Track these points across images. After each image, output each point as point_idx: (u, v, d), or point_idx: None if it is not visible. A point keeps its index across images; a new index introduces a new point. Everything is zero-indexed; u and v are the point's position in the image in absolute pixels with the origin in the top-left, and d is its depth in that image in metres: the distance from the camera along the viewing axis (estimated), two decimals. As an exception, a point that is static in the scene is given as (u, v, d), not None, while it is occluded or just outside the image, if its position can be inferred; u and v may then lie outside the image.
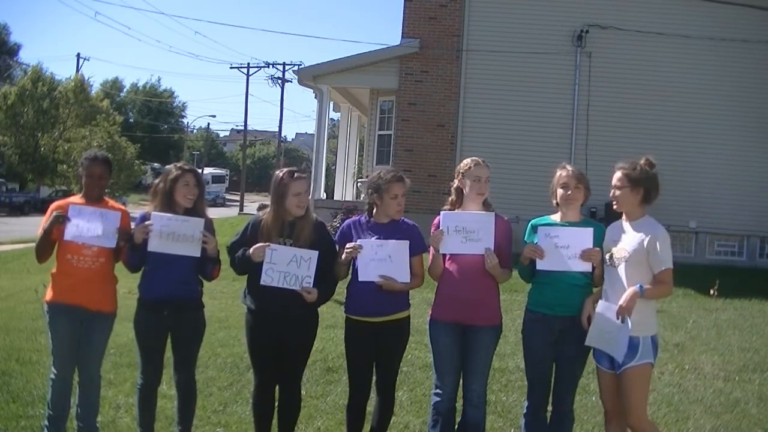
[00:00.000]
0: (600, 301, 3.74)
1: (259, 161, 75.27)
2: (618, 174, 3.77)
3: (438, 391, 4.01)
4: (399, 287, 3.99)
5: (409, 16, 15.54)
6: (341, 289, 4.16)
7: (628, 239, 3.72)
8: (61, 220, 3.90)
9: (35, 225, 4.41)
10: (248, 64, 45.32)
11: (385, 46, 16.37)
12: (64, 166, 30.86)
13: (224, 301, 8.97)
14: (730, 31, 14.73)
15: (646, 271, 3.67)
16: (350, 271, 4.12)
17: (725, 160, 14.83)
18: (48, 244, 4.02)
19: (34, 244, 4.13)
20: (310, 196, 4.96)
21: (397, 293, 4.01)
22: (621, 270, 3.69)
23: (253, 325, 4.07)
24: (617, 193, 3.77)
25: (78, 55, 45.24)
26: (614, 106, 14.90)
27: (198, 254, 4.00)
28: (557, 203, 3.98)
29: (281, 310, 3.95)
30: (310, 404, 5.11)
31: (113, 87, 55.17)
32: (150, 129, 54.01)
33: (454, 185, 4.10)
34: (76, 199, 4.13)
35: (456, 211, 4.05)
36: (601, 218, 11.27)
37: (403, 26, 15.60)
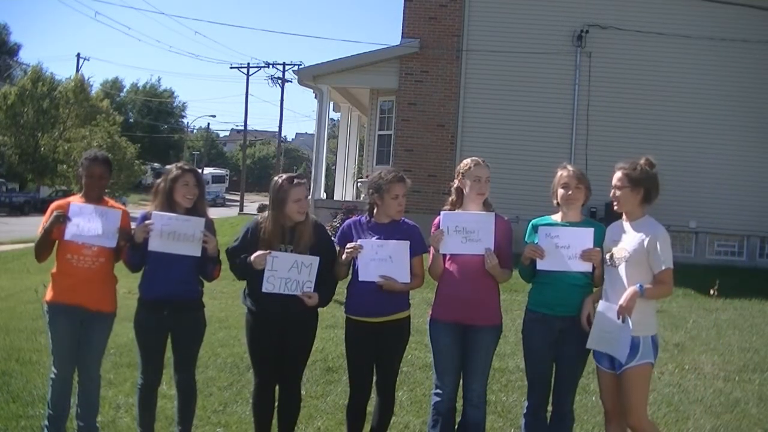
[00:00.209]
0: (600, 301, 3.73)
1: (259, 161, 75.28)
2: (618, 174, 3.77)
3: (438, 391, 4.01)
4: (399, 287, 3.99)
5: (409, 16, 15.54)
6: (341, 289, 4.16)
7: (629, 239, 3.72)
8: (62, 219, 3.90)
9: (35, 225, 4.41)
10: (248, 64, 45.35)
11: (385, 46, 16.38)
12: (64, 166, 30.86)
13: (224, 301, 8.97)
14: (730, 31, 14.72)
15: (646, 271, 3.67)
16: (350, 271, 4.13)
17: (725, 160, 14.82)
18: (48, 243, 4.02)
19: (34, 244, 4.13)
20: (309, 197, 4.96)
21: (397, 293, 4.01)
22: (621, 270, 3.69)
23: (253, 325, 4.07)
24: (617, 193, 3.77)
25: (78, 55, 45.32)
26: (614, 106, 14.90)
27: (198, 254, 4.00)
28: (558, 203, 3.98)
29: (281, 311, 3.95)
30: (310, 404, 5.11)
31: (113, 87, 55.17)
32: (150, 129, 54.01)
33: (455, 185, 4.10)
34: (76, 199, 4.13)
35: (456, 211, 4.05)
36: (601, 218, 11.27)
37: (403, 26, 15.60)
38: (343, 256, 4.03)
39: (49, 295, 4.06)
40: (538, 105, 15.03)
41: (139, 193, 40.20)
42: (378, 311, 4.02)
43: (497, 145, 14.39)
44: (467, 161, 4.07)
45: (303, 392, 4.38)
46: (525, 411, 4.03)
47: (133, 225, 4.10)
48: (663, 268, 3.64)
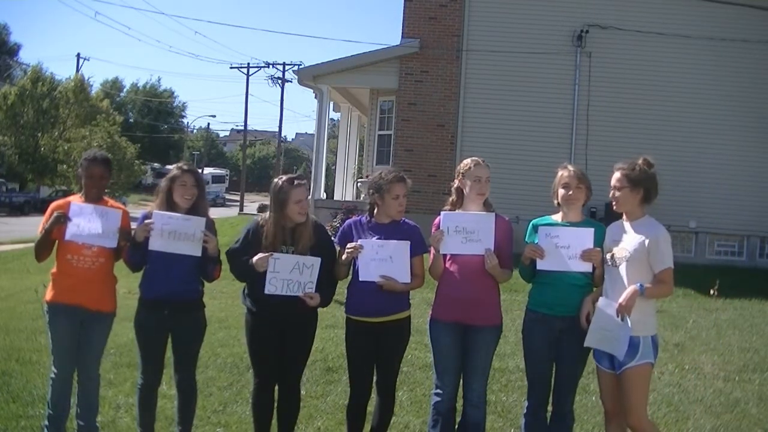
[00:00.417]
0: (600, 299, 3.74)
1: (259, 161, 75.27)
2: (617, 175, 3.77)
3: (438, 391, 4.01)
4: (400, 288, 3.99)
5: (409, 16, 15.54)
6: (341, 289, 4.17)
7: (629, 239, 3.72)
8: (63, 220, 3.91)
9: (35, 225, 4.41)
10: (248, 64, 45.33)
11: (385, 46, 16.38)
12: (64, 166, 30.84)
13: (224, 301, 8.97)
14: (730, 31, 14.73)
15: (646, 271, 3.67)
16: (351, 271, 4.13)
17: (725, 160, 14.83)
18: (48, 243, 4.03)
19: (34, 244, 4.13)
20: (309, 198, 4.96)
21: (397, 293, 4.02)
22: (622, 269, 3.69)
23: (253, 325, 4.07)
24: (617, 194, 3.77)
25: (78, 55, 45.29)
26: (614, 106, 14.90)
27: (199, 254, 4.00)
28: (558, 203, 3.98)
29: (281, 311, 3.95)
30: (310, 404, 5.11)
31: (113, 87, 55.13)
32: (150, 129, 53.98)
33: (455, 185, 4.10)
34: (76, 199, 4.13)
35: (456, 211, 4.05)
36: (601, 218, 11.27)
37: (403, 26, 15.61)
38: (344, 257, 4.03)
39: (49, 295, 4.06)
40: (538, 105, 15.04)
41: (139, 193, 40.20)
42: (378, 311, 4.02)
43: (497, 145, 14.39)
44: (467, 161, 4.07)
45: (303, 392, 4.38)
46: (525, 411, 4.03)
47: (133, 225, 4.10)
48: (663, 267, 3.64)
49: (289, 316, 3.98)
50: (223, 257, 4.09)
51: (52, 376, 4.05)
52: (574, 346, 3.84)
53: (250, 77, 44.99)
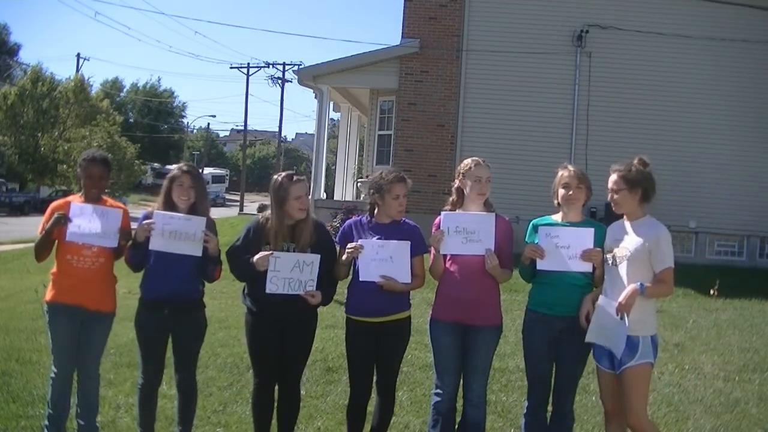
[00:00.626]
0: (601, 296, 3.74)
1: (259, 161, 75.26)
2: (614, 177, 3.77)
3: (438, 391, 4.01)
4: (400, 288, 3.99)
5: (409, 16, 15.54)
6: (342, 289, 4.17)
7: (630, 238, 3.72)
8: (63, 221, 3.91)
9: (35, 225, 4.41)
10: (248, 64, 45.31)
11: (385, 46, 16.38)
12: (64, 166, 30.83)
13: (224, 301, 8.97)
14: (730, 31, 14.73)
15: (647, 270, 3.67)
16: (351, 271, 4.13)
17: (725, 160, 14.83)
18: (48, 244, 4.03)
19: (34, 245, 4.13)
20: (309, 197, 4.96)
21: (397, 293, 4.02)
22: (622, 269, 3.69)
23: (253, 325, 4.07)
24: (615, 196, 3.77)
25: (78, 55, 45.27)
26: (614, 106, 14.90)
27: (200, 253, 3.99)
28: (558, 203, 3.98)
29: (281, 311, 3.95)
30: (310, 404, 5.11)
31: (113, 87, 55.10)
32: (150, 129, 53.95)
33: (455, 185, 4.10)
34: (76, 199, 4.13)
35: (457, 211, 4.05)
36: (601, 218, 11.26)
37: (403, 26, 15.60)
38: (344, 257, 4.03)
39: (49, 295, 4.06)
40: (538, 105, 15.04)
41: (139, 193, 40.21)
42: (378, 311, 4.02)
43: (497, 145, 14.39)
44: (468, 161, 4.07)
45: (303, 392, 4.38)
46: (525, 411, 4.03)
47: (133, 225, 4.10)
48: (664, 267, 3.64)
49: (290, 316, 3.98)
50: (223, 257, 4.09)
51: (52, 375, 4.05)
52: (574, 346, 3.84)
53: (250, 77, 45.04)
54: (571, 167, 3.98)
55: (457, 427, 4.05)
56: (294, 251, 3.96)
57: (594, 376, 4.13)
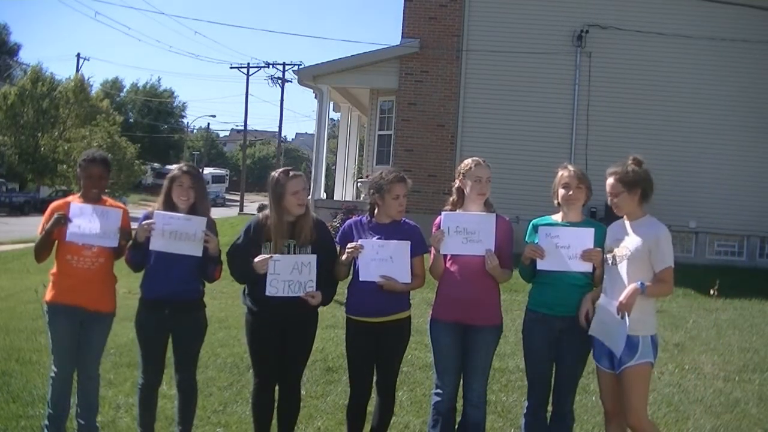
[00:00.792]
0: (602, 295, 3.75)
1: (259, 161, 75.23)
2: (611, 180, 3.77)
3: (438, 391, 4.01)
4: (400, 288, 3.99)
5: (409, 16, 15.54)
6: (342, 289, 4.17)
7: (630, 238, 3.72)
8: (63, 221, 3.91)
9: (35, 225, 4.41)
10: (248, 64, 45.31)
11: (385, 46, 16.38)
12: (64, 166, 30.83)
13: (224, 301, 8.97)
14: (730, 31, 14.73)
15: (647, 270, 3.67)
16: (351, 271, 4.13)
17: (725, 160, 14.83)
18: (48, 244, 4.03)
19: (34, 245, 4.13)
20: (309, 196, 4.95)
21: (397, 293, 4.02)
22: (622, 268, 3.69)
23: (253, 325, 4.06)
24: (615, 200, 3.78)
25: (78, 55, 45.28)
26: (614, 106, 14.90)
27: (200, 254, 3.99)
28: (558, 203, 3.98)
29: (281, 311, 3.95)
30: (310, 404, 5.11)
31: (113, 87, 55.10)
32: (150, 129, 53.95)
33: (455, 185, 4.10)
34: (75, 199, 4.12)
35: (457, 211, 4.05)
36: (601, 218, 11.24)
37: (403, 26, 15.61)
38: (344, 256, 4.03)
39: (48, 295, 4.06)
40: (538, 105, 15.04)
41: (139, 193, 40.20)
42: (378, 311, 4.02)
43: (497, 145, 14.39)
44: (468, 161, 4.07)
45: (303, 392, 4.38)
46: (525, 411, 4.03)
47: (133, 225, 4.10)
48: (664, 266, 3.64)
49: (290, 316, 3.98)
50: (223, 258, 4.09)
51: (52, 375, 4.05)
52: (574, 346, 3.84)
53: (250, 77, 45.04)
54: (571, 167, 3.98)
55: (457, 427, 4.05)
56: (294, 248, 3.96)
57: (594, 376, 4.13)
